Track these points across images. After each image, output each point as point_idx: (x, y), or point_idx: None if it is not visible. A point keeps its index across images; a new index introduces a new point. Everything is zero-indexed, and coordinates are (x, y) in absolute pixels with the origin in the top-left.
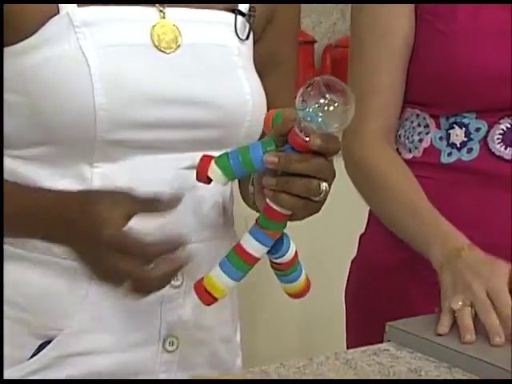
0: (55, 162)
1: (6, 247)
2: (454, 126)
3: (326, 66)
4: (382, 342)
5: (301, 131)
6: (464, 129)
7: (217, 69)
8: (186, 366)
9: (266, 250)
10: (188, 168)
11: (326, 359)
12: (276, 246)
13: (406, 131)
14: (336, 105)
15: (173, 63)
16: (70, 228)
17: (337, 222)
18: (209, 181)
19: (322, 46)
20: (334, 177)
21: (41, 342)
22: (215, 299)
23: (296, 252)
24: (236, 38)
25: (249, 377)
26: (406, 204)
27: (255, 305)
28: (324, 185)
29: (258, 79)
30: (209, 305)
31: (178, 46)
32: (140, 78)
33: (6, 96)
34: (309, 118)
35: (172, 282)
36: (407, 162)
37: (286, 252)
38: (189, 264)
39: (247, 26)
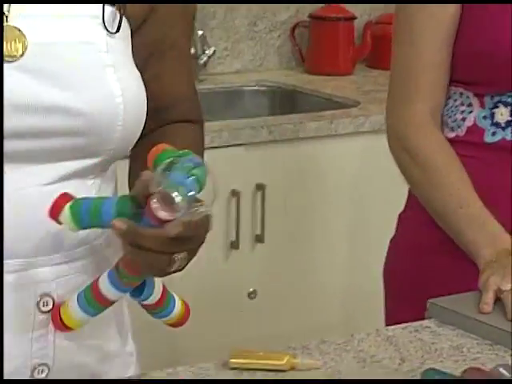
0: None
1: None
2: (499, 105)
3: (367, 42)
4: (422, 319)
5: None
6: (509, 108)
7: (77, 70)
8: None
9: (121, 295)
10: (51, 183)
11: (367, 336)
12: (138, 290)
13: (448, 110)
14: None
15: (21, 68)
16: None
17: (376, 199)
18: (59, 222)
19: (362, 22)
20: (201, 242)
21: None
22: (72, 329)
23: (164, 291)
24: (105, 31)
25: (290, 353)
26: (454, 196)
27: (297, 281)
28: (178, 257)
29: (136, 75)
30: (67, 331)
31: (23, 52)
32: None
33: None
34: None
35: (41, 307)
36: (450, 140)
37: (149, 296)
38: (58, 290)
39: (118, 16)
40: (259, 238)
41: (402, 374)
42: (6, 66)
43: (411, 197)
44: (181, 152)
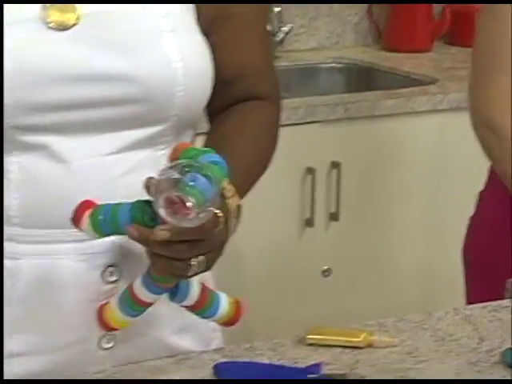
0: None
1: None
2: None
3: (446, 18)
4: (501, 299)
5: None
6: None
7: (132, 37)
8: (126, 360)
9: (157, 297)
10: (114, 153)
11: (445, 314)
12: (173, 292)
13: None
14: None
15: (74, 38)
16: None
17: (454, 177)
18: (81, 230)
19: None
20: (221, 247)
21: None
22: (116, 329)
23: (203, 291)
24: None
25: (367, 330)
26: None
27: (372, 259)
28: (195, 261)
29: (198, 40)
30: (111, 331)
31: (78, 19)
32: (40, 58)
33: None
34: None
35: (106, 277)
36: None
37: (184, 298)
38: (125, 259)
39: None
40: (334, 216)
41: (480, 354)
42: (57, 35)
43: (493, 175)
44: (204, 149)
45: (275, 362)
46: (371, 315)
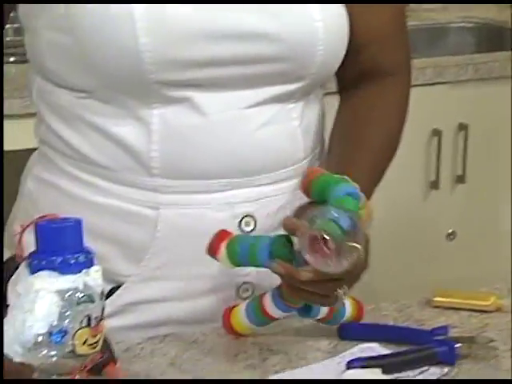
0: (114, 104)
1: (74, 191)
2: None
3: None
4: None
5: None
6: None
7: None
8: None
9: (285, 314)
10: (251, 106)
11: None
12: (305, 310)
13: None
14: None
15: None
16: None
17: None
18: (217, 260)
19: None
20: (357, 279)
21: (110, 287)
22: (238, 333)
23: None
24: None
25: (496, 293)
26: None
27: (498, 223)
28: (341, 292)
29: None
30: (232, 334)
31: None
32: (187, 15)
33: (56, 36)
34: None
35: (243, 227)
36: None
37: (317, 314)
38: (261, 208)
39: None
40: (460, 179)
41: None
42: None
43: None
44: (336, 178)
45: (400, 323)
46: (494, 280)
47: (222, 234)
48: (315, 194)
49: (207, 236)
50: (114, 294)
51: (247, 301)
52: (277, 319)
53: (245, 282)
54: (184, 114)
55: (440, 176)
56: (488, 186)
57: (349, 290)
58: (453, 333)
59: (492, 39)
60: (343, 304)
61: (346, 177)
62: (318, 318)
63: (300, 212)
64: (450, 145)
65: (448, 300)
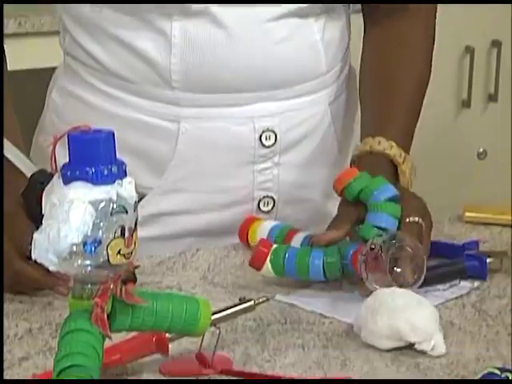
0: (135, 16)
1: (97, 103)
2: None
3: None
4: None
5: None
6: None
7: None
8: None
9: None
10: (271, 20)
11: None
12: None
13: None
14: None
15: None
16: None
17: None
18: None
19: None
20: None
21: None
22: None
23: None
24: None
25: None
26: None
27: None
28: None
29: None
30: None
31: None
32: None
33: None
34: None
35: (264, 141)
36: None
37: None
38: (282, 125)
39: None
40: (492, 97)
41: None
42: None
43: None
44: (375, 181)
45: (432, 238)
46: None
47: (265, 246)
48: (351, 195)
49: (227, 149)
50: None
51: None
52: None
53: (265, 196)
54: (204, 27)
55: (472, 94)
56: None
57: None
58: (484, 248)
59: None
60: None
61: (382, 177)
62: None
63: (339, 222)
64: (482, 62)
65: (479, 215)
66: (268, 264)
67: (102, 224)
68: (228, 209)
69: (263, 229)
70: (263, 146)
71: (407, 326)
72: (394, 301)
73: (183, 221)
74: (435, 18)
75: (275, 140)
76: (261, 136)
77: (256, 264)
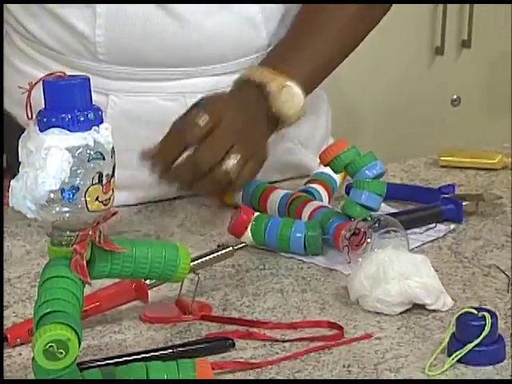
0: None
1: (27, 70)
2: None
3: None
4: None
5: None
6: None
7: None
8: None
9: None
10: None
11: None
12: None
13: None
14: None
15: None
16: None
17: None
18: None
19: None
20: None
21: None
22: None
23: None
24: None
25: (503, 152)
26: None
27: (503, 88)
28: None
29: None
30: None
31: None
32: None
33: None
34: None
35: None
36: None
37: None
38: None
39: None
40: (465, 43)
41: None
42: None
43: None
44: (364, 158)
45: (407, 182)
46: (496, 145)
47: (246, 213)
48: (337, 168)
49: (158, 125)
50: None
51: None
52: None
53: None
54: None
55: (445, 41)
56: (492, 50)
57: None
58: (460, 191)
59: None
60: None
61: (371, 153)
62: None
63: None
64: (455, 9)
65: (454, 159)
66: (248, 232)
67: (79, 171)
68: (159, 186)
69: None
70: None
71: (422, 291)
72: (400, 265)
73: (119, 198)
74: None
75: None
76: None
77: (236, 232)
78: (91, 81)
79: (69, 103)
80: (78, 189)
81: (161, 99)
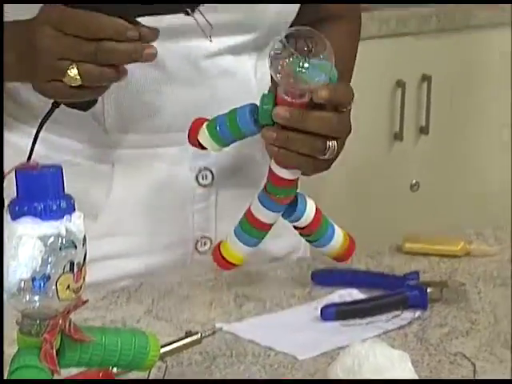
0: None
1: (27, 147)
2: None
3: None
4: None
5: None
6: None
7: None
8: None
9: (278, 215)
10: (207, 57)
11: None
12: (289, 209)
13: None
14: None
15: None
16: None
17: None
18: (201, 146)
19: None
20: (349, 132)
21: None
22: (235, 265)
23: (317, 213)
24: None
25: (465, 239)
26: None
27: (461, 174)
28: (332, 143)
29: None
30: (228, 270)
31: None
32: None
33: None
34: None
35: (200, 181)
36: None
37: (301, 216)
38: (219, 162)
39: None
40: (424, 130)
41: None
42: None
43: None
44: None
45: (372, 269)
46: (457, 231)
47: (200, 119)
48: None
49: (164, 190)
50: None
51: (232, 228)
52: (270, 226)
53: (202, 237)
54: (140, 66)
55: (404, 127)
56: (450, 136)
57: (335, 147)
58: (424, 278)
59: None
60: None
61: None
62: (301, 225)
63: None
64: (413, 96)
65: (418, 246)
66: (204, 129)
67: (50, 259)
68: (164, 251)
69: (231, 235)
70: (200, 185)
71: None
72: (375, 360)
73: (120, 265)
74: (359, 24)
75: (212, 179)
76: (197, 175)
77: (192, 136)
78: (97, 151)
79: (41, 192)
80: (49, 277)
81: (167, 164)
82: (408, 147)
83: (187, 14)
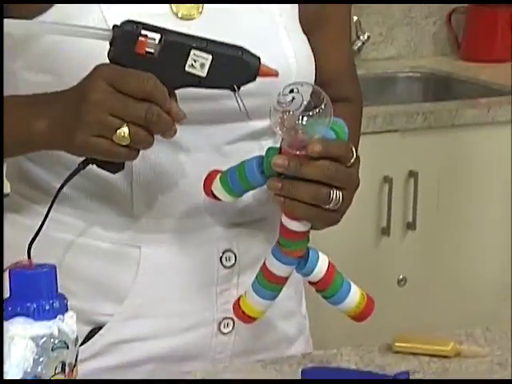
0: None
1: (52, 234)
2: None
3: None
4: None
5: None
6: None
7: (251, 32)
8: (243, 346)
9: (291, 269)
10: (228, 143)
11: None
12: (302, 263)
13: None
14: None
15: (201, 25)
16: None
17: None
18: (215, 197)
19: None
20: (357, 185)
21: (90, 328)
22: (255, 319)
23: (330, 267)
24: None
25: (455, 339)
26: None
27: (449, 270)
28: (336, 193)
29: (304, 38)
30: (249, 323)
31: (201, 13)
32: None
33: (36, 78)
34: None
35: (224, 262)
36: None
37: (313, 268)
38: (241, 243)
39: None
40: (411, 226)
41: None
42: (187, 23)
43: None
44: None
45: (362, 368)
46: (447, 326)
47: (215, 171)
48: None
49: (189, 272)
50: (97, 335)
51: (251, 282)
52: (286, 279)
53: (225, 318)
54: (166, 153)
55: (391, 222)
56: (438, 232)
57: (342, 204)
58: (414, 377)
59: (438, 89)
60: (338, 202)
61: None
62: (314, 280)
63: None
64: (400, 192)
65: (408, 345)
66: (217, 181)
67: (42, 359)
68: (188, 333)
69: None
70: (224, 266)
71: None
72: None
73: (145, 347)
74: (361, 107)
75: (235, 260)
76: (221, 257)
77: (207, 188)
78: (124, 235)
79: (34, 292)
80: (40, 378)
81: (192, 247)
82: (395, 242)
83: (233, 90)
